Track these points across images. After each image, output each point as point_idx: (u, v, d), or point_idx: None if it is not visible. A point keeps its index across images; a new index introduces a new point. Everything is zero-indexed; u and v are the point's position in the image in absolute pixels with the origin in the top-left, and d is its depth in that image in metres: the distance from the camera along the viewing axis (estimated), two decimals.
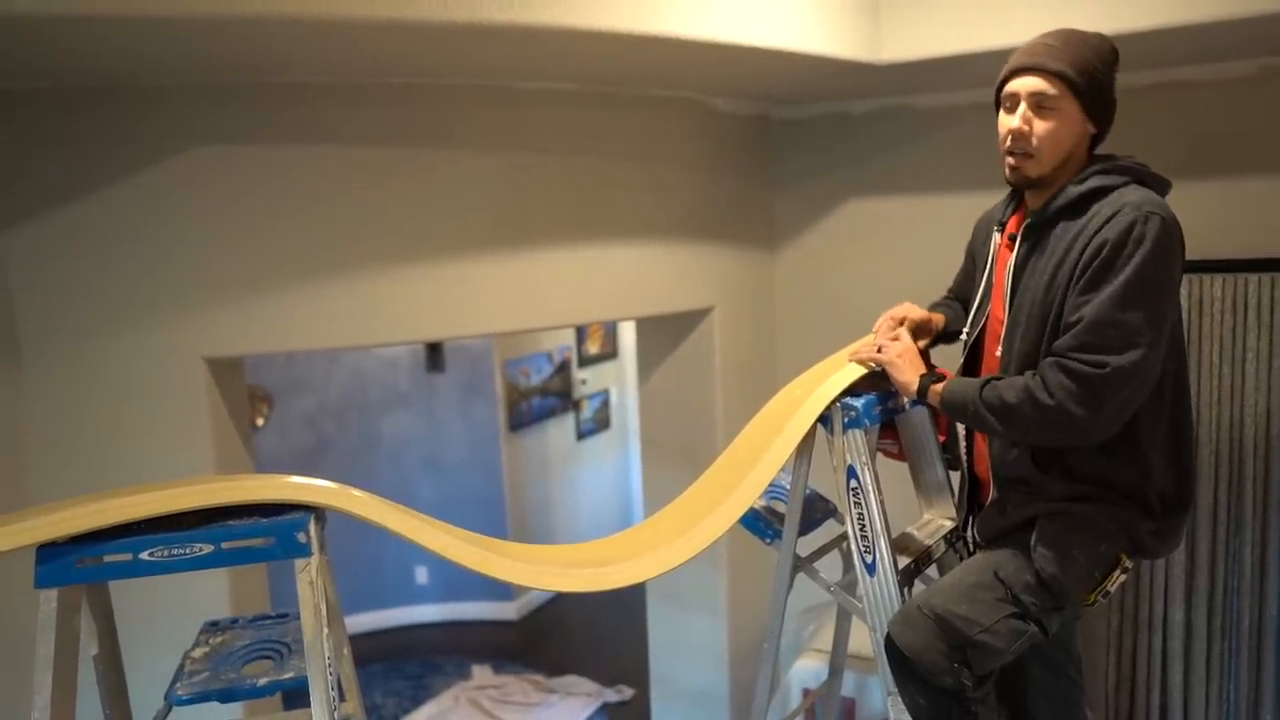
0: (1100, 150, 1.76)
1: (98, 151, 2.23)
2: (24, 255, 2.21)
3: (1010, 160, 1.71)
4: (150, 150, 2.26)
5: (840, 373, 1.91)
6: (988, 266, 1.87)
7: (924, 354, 1.98)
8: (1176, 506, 1.74)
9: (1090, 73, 1.65)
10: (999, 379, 1.71)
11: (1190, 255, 1.68)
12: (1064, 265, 1.65)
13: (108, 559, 1.29)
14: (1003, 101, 1.73)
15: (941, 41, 2.52)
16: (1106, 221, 1.60)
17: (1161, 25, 2.22)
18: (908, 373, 1.85)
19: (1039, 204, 1.75)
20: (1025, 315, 1.72)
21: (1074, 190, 1.67)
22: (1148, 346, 1.57)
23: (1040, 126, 1.67)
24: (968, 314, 2.03)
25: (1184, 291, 1.75)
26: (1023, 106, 1.68)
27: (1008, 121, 1.70)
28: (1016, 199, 1.87)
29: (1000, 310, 1.80)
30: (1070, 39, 1.67)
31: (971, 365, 1.91)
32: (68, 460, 2.29)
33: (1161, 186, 1.69)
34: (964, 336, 1.92)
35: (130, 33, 1.79)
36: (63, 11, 1.62)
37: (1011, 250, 1.79)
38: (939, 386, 1.79)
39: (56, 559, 1.27)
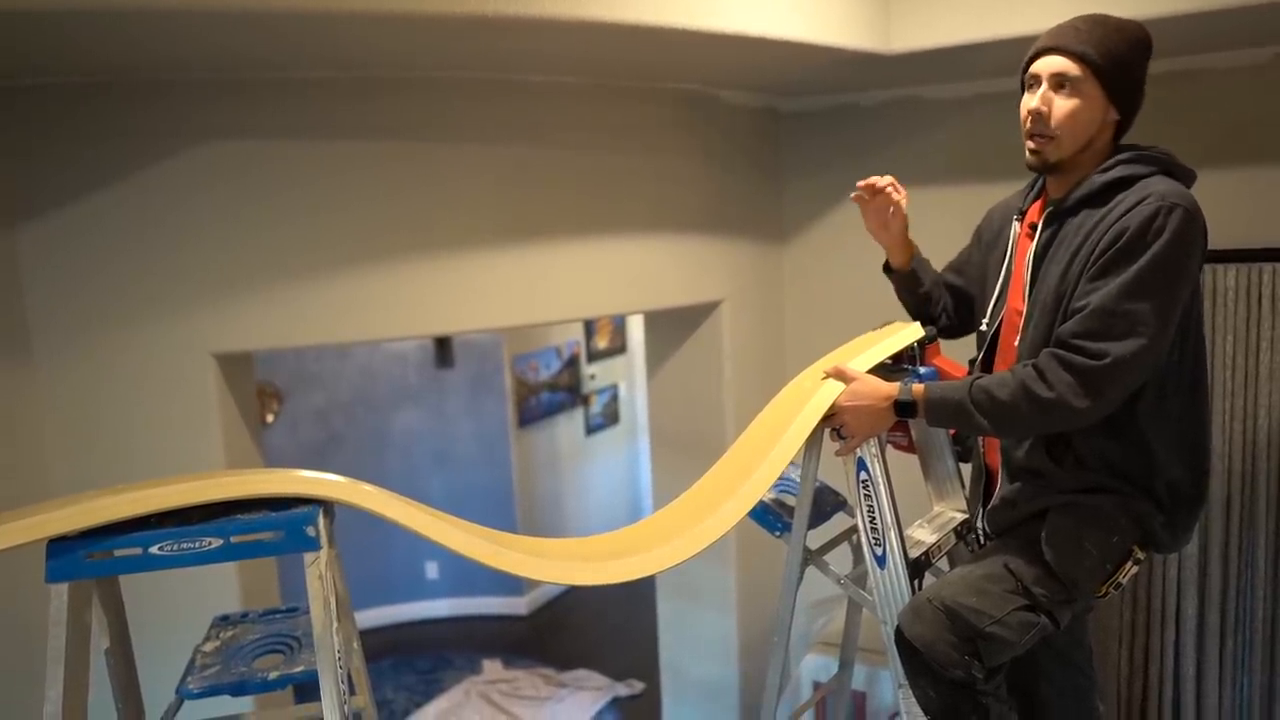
0: (1123, 139, 1.73)
1: (109, 147, 2.24)
2: (36, 250, 2.22)
3: (1030, 144, 1.69)
4: (161, 146, 2.27)
5: (851, 364, 1.90)
6: (1006, 257, 1.85)
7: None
8: (1188, 499, 1.73)
9: (1115, 56, 1.62)
10: (982, 378, 1.69)
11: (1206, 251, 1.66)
12: (1080, 252, 1.63)
13: (118, 553, 1.29)
14: (1026, 84, 1.71)
15: (952, 31, 2.50)
16: (1129, 210, 1.58)
17: (1175, 12, 2.20)
18: (866, 422, 1.77)
19: (1061, 192, 1.73)
20: (1040, 304, 1.71)
21: (1099, 179, 1.65)
22: (1150, 337, 1.55)
23: (1059, 107, 1.64)
24: (969, 299, 2.02)
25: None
26: (1043, 86, 1.65)
27: (1028, 102, 1.68)
28: (1036, 188, 1.84)
29: (1019, 301, 1.78)
30: (1099, 22, 1.65)
31: (989, 357, 1.89)
32: (78, 455, 2.30)
33: (1187, 177, 1.66)
34: (983, 328, 1.89)
35: (142, 26, 1.80)
36: (77, 5, 1.62)
37: (1031, 239, 1.77)
38: (920, 396, 1.73)
39: (67, 553, 1.27)
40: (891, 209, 1.98)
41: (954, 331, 2.10)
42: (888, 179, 1.96)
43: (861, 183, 1.97)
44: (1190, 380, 1.70)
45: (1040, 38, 1.70)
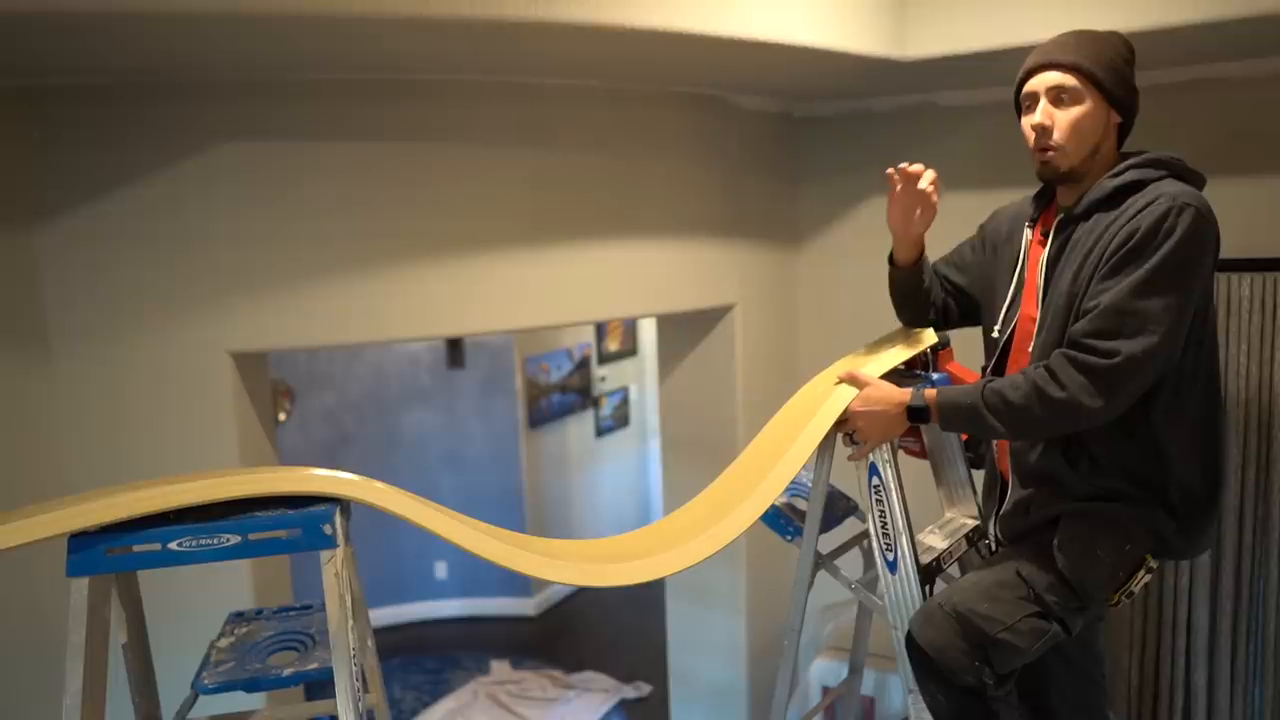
0: (1131, 147, 1.75)
1: (126, 147, 2.26)
2: (53, 250, 2.24)
3: (1039, 156, 1.70)
4: (177, 146, 2.29)
5: (864, 369, 1.91)
6: (1019, 264, 1.85)
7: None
8: (1202, 504, 1.72)
9: (1105, 61, 1.65)
10: (994, 380, 1.70)
11: (1219, 254, 1.66)
12: (1092, 254, 1.64)
13: (137, 549, 1.30)
14: (1023, 104, 1.74)
15: (966, 38, 2.50)
16: (1140, 210, 1.59)
17: (1189, 21, 2.19)
18: (879, 427, 1.81)
19: (1072, 199, 1.73)
20: (1053, 308, 1.71)
21: (1109, 183, 1.66)
22: (1162, 335, 1.56)
23: (1063, 118, 1.66)
24: (964, 297, 2.02)
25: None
26: (1043, 102, 1.68)
27: (1030, 120, 1.71)
28: (1047, 197, 1.85)
29: (1033, 308, 1.78)
30: (1081, 34, 1.69)
31: (1001, 364, 1.88)
32: (96, 452, 2.32)
33: (1197, 181, 1.67)
34: (995, 335, 1.89)
35: (159, 29, 1.81)
36: (92, 8, 1.64)
37: (1044, 246, 1.78)
38: (932, 400, 1.75)
39: (87, 548, 1.29)
40: (920, 209, 1.93)
41: (940, 327, 2.10)
42: (930, 175, 1.91)
43: (903, 166, 1.91)
44: (1204, 380, 1.70)
45: (1028, 59, 1.73)
